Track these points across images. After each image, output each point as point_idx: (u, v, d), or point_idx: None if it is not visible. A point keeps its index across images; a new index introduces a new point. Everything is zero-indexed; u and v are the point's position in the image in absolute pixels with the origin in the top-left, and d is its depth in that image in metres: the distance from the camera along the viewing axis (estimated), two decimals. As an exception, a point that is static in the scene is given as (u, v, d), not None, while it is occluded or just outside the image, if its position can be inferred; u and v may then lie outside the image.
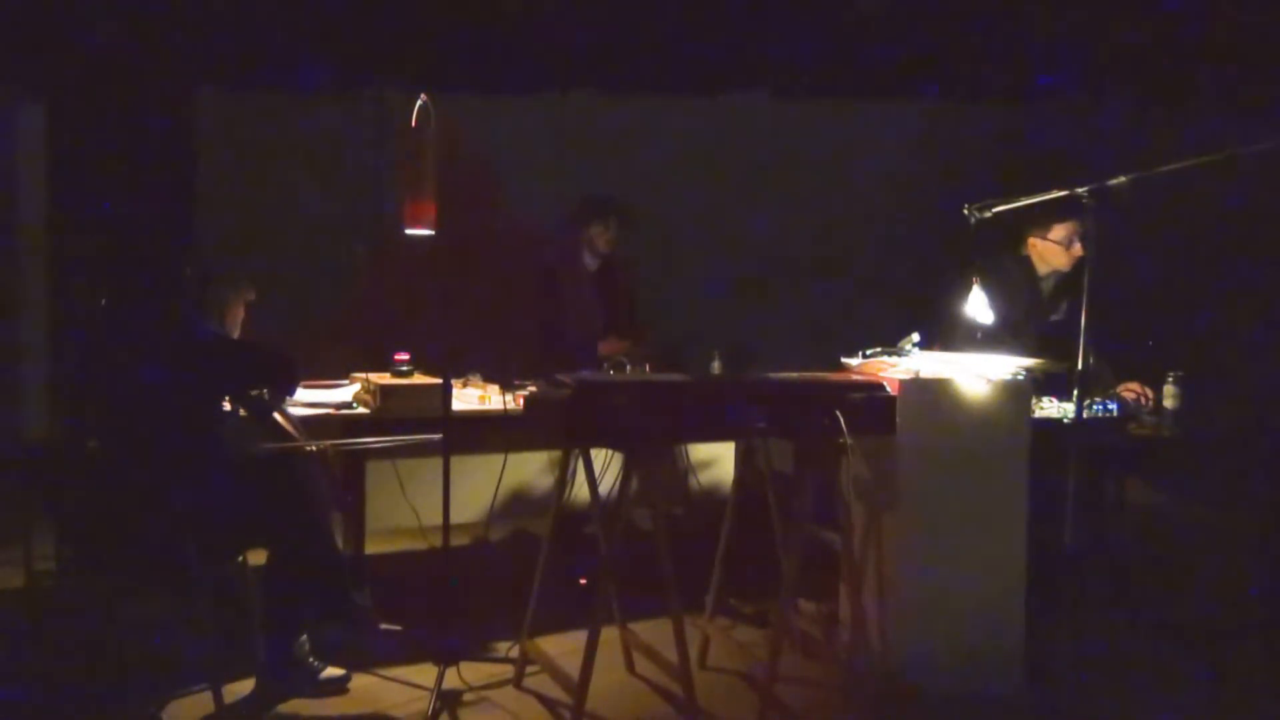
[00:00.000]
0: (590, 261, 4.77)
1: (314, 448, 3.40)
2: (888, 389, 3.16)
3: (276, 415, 3.35)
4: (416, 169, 3.79)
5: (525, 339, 4.89)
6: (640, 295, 5.02)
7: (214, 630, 3.05)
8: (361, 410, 3.77)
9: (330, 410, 3.72)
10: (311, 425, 3.55)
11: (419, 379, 3.90)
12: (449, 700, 3.17)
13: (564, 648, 3.45)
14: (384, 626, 3.61)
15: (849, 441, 3.00)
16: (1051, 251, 4.00)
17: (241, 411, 3.34)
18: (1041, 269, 4.06)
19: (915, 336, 3.48)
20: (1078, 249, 3.95)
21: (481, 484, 3.65)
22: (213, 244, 5.36)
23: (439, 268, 3.61)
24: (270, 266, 5.16)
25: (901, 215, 6.15)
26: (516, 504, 4.06)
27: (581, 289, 4.66)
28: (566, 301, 4.60)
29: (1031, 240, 4.02)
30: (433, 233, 3.83)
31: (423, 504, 3.61)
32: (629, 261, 4.94)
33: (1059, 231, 3.95)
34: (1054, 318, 4.06)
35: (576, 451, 3.21)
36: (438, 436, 3.23)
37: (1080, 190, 2.98)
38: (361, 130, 5.72)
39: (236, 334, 3.44)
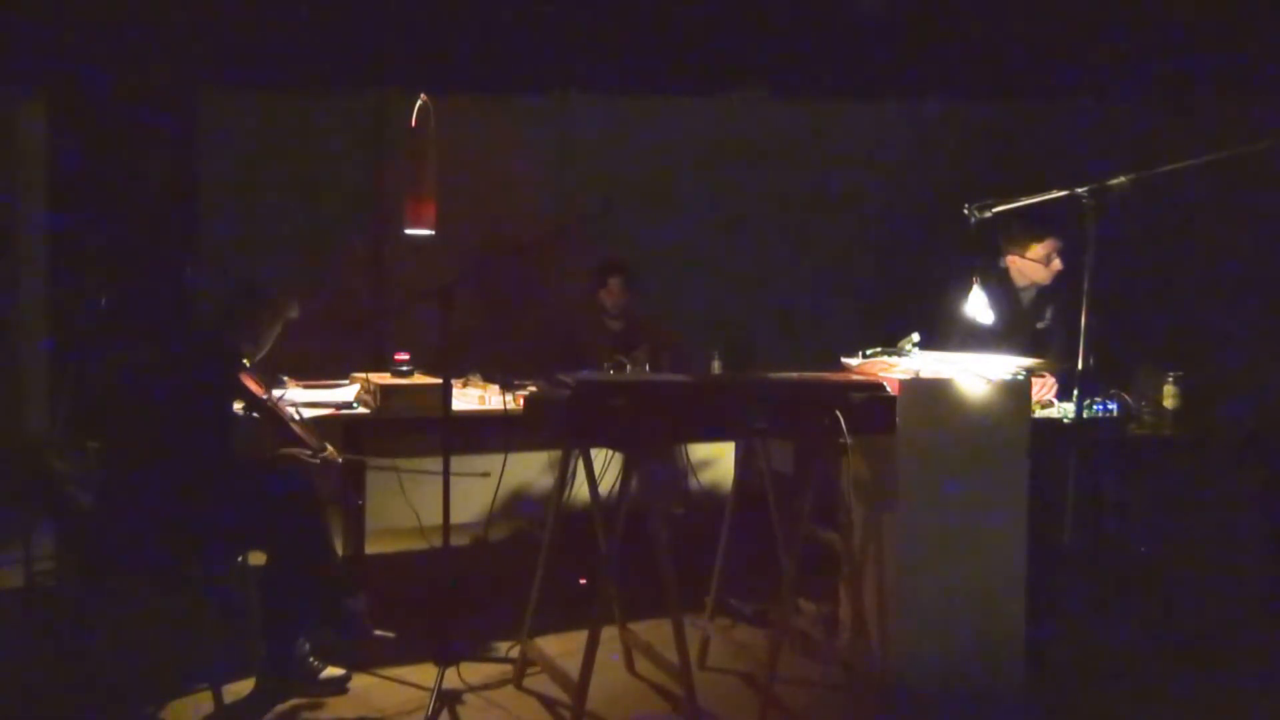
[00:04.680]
0: (613, 323, 4.86)
1: (317, 460, 3.39)
2: (888, 389, 3.15)
3: (292, 426, 3.35)
4: (416, 169, 3.80)
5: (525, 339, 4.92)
6: (643, 303, 5.07)
7: (214, 630, 3.06)
8: (362, 410, 3.77)
9: (331, 410, 3.72)
10: (310, 424, 3.55)
11: (419, 379, 3.90)
12: (449, 700, 3.17)
13: (564, 648, 3.44)
14: (377, 633, 3.60)
15: (849, 441, 2.99)
16: (1031, 268, 3.98)
17: (254, 414, 3.34)
18: (1020, 281, 4.05)
19: (915, 336, 3.48)
20: (1057, 264, 3.94)
21: (481, 484, 3.65)
22: (212, 244, 5.37)
23: (439, 267, 3.61)
24: (270, 266, 5.17)
25: (901, 215, 6.15)
26: (516, 504, 4.07)
27: (607, 350, 4.68)
28: (590, 362, 4.62)
29: (1010, 257, 4.01)
30: (432, 232, 3.84)
31: (423, 504, 3.61)
32: (653, 319, 5.07)
33: (1038, 250, 3.93)
34: (1040, 325, 4.06)
35: (576, 451, 3.21)
36: (437, 473, 3.19)
37: (1080, 190, 2.97)
38: (361, 130, 5.72)
39: (267, 348, 3.45)
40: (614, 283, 4.90)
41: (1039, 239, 3.92)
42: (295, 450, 3.31)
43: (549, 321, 5.49)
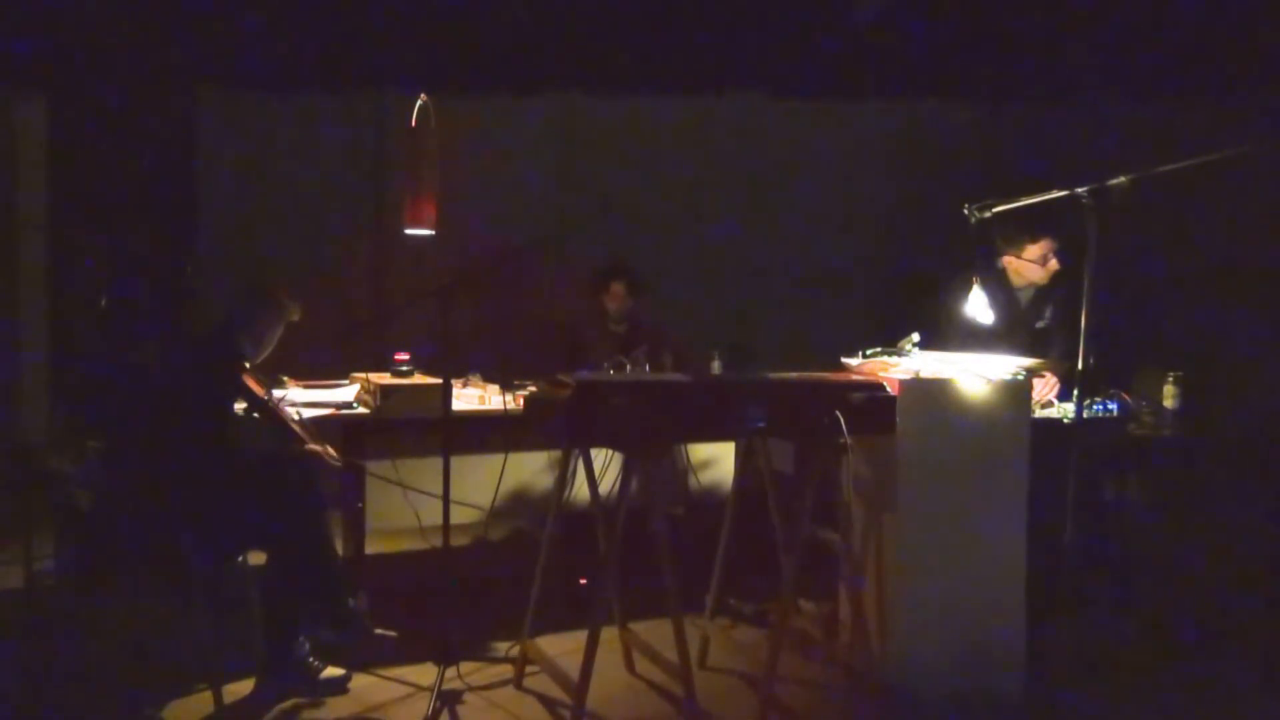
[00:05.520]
0: (616, 327, 4.86)
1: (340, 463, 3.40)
2: (888, 389, 3.15)
3: (292, 425, 3.35)
4: (416, 169, 3.80)
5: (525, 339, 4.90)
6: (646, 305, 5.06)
7: (214, 630, 3.06)
8: (362, 410, 3.77)
9: (331, 410, 3.72)
10: (311, 425, 3.55)
11: (419, 379, 3.90)
12: (449, 700, 3.17)
13: (564, 648, 3.45)
14: (378, 632, 3.60)
15: (849, 441, 2.99)
16: (1027, 268, 3.98)
17: (255, 414, 3.35)
18: (1017, 281, 4.05)
19: (915, 336, 3.48)
20: (1053, 264, 3.94)
21: (481, 484, 3.65)
22: (212, 244, 5.37)
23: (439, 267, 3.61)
24: (270, 266, 5.17)
25: (901, 215, 6.15)
26: (516, 504, 4.07)
27: (608, 352, 4.66)
28: (591, 363, 4.61)
29: (1006, 258, 4.01)
30: (432, 232, 3.84)
31: (423, 504, 3.61)
32: (657, 323, 5.04)
33: (1033, 250, 3.93)
34: (1039, 324, 4.06)
35: (576, 451, 3.21)
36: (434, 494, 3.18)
37: (1080, 190, 2.97)
38: (361, 130, 5.72)
39: (269, 350, 3.46)
40: (616, 287, 4.87)
41: (1034, 239, 3.92)
42: (319, 449, 3.32)
43: (551, 323, 5.49)
